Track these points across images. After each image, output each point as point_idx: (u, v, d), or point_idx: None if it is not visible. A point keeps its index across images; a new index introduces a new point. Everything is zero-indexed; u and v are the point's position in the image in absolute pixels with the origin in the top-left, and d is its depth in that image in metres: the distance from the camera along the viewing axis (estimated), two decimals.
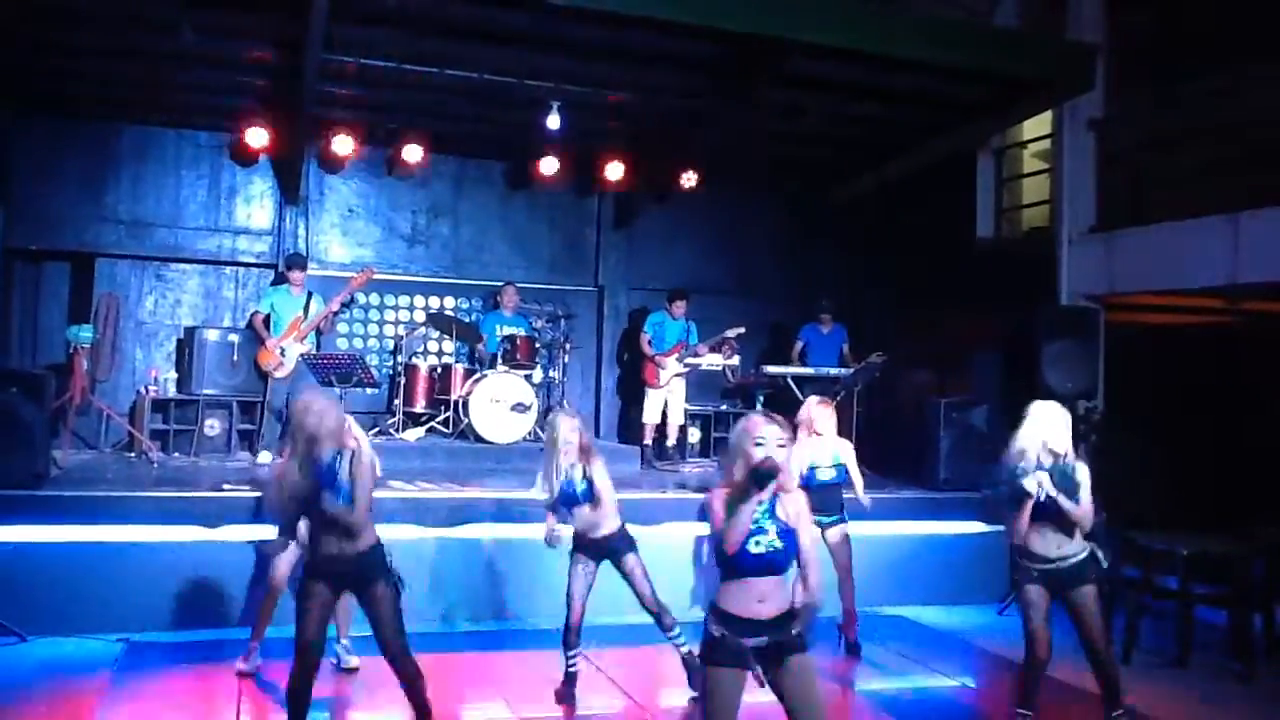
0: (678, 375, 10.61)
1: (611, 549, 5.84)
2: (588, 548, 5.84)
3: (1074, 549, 5.13)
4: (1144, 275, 9.24)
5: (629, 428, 11.12)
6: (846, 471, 6.89)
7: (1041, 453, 5.10)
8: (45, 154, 10.06)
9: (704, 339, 10.65)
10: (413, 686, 4.81)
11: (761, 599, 3.83)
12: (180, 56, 8.76)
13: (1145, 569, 7.28)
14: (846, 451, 6.98)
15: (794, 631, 3.84)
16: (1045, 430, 5.12)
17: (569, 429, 5.77)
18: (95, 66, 9.15)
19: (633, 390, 11.14)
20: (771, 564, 3.84)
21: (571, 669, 5.90)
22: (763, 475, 3.73)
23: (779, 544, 3.83)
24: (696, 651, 5.78)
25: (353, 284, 9.90)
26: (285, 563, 6.03)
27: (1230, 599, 7.11)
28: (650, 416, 10.51)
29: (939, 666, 6.88)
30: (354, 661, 6.24)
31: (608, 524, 5.82)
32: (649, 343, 10.65)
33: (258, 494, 7.27)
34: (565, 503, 5.80)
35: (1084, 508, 5.06)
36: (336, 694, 5.98)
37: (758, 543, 3.80)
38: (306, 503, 4.72)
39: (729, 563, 3.83)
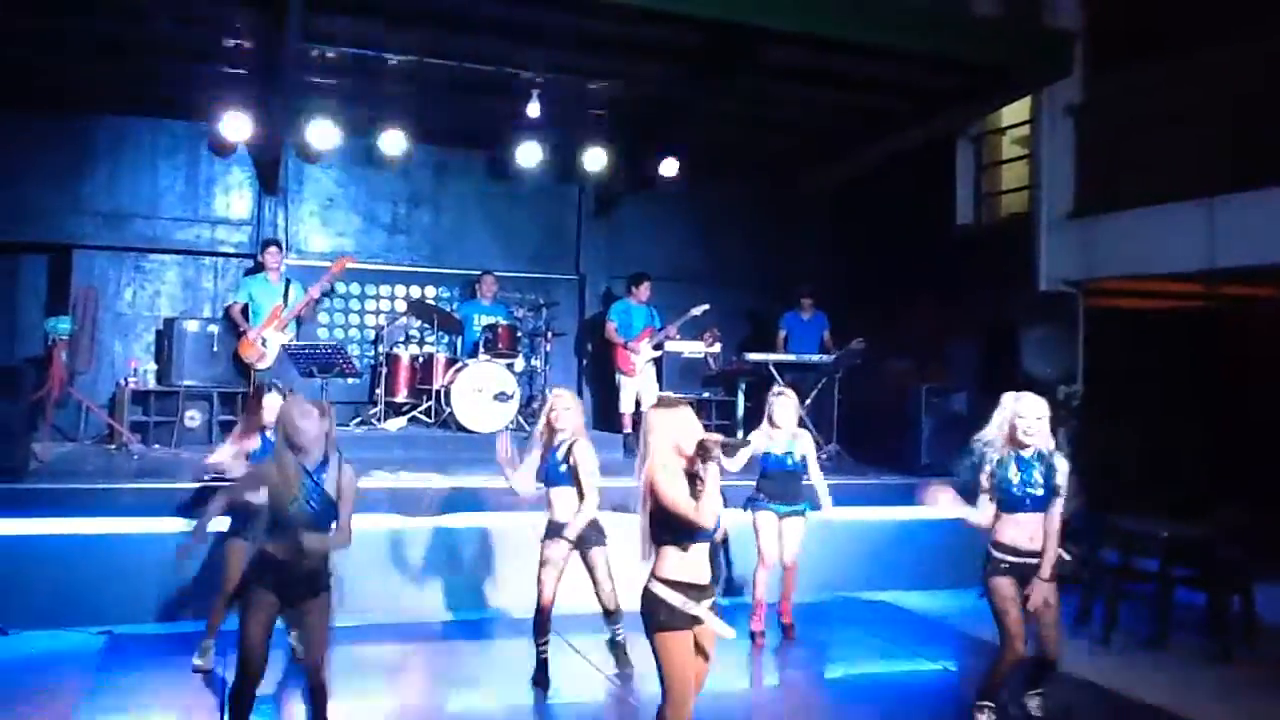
0: (650, 361, 10.63)
1: (581, 538, 5.85)
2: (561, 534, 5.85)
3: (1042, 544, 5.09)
4: (1122, 260, 9.29)
5: (609, 417, 11.13)
6: (805, 463, 6.94)
7: (1010, 443, 5.06)
8: (21, 146, 9.99)
9: (671, 323, 10.68)
10: (319, 700, 4.64)
11: (702, 564, 4.16)
12: (157, 46, 8.71)
13: (1125, 551, 7.34)
14: (806, 444, 7.02)
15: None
16: (1015, 421, 5.05)
17: (567, 401, 5.82)
18: (70, 57, 9.08)
19: (608, 379, 11.16)
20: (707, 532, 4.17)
21: (543, 655, 5.92)
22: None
23: None
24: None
25: (331, 271, 9.87)
26: (238, 559, 5.90)
27: (1208, 581, 7.17)
28: (627, 406, 10.51)
29: (921, 650, 6.92)
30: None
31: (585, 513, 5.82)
32: (616, 330, 10.63)
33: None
34: (550, 480, 5.81)
35: (1056, 509, 5.06)
36: (286, 684, 5.84)
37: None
38: (276, 509, 4.53)
39: (694, 534, 4.09)
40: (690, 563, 4.11)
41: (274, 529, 4.56)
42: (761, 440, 6.85)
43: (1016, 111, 10.83)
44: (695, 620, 4.10)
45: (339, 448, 4.78)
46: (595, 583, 5.94)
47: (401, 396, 10.35)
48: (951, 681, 6.45)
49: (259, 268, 10.18)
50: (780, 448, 6.87)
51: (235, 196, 10.85)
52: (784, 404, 6.90)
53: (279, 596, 4.58)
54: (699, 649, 4.20)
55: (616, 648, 6.08)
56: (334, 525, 4.59)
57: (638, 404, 10.51)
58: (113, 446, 9.39)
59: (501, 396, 9.78)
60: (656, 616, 4.10)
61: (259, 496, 4.65)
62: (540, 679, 5.90)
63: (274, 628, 4.62)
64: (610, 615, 6.02)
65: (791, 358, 10.65)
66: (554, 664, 5.95)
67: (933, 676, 6.51)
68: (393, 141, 10.38)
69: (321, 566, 4.64)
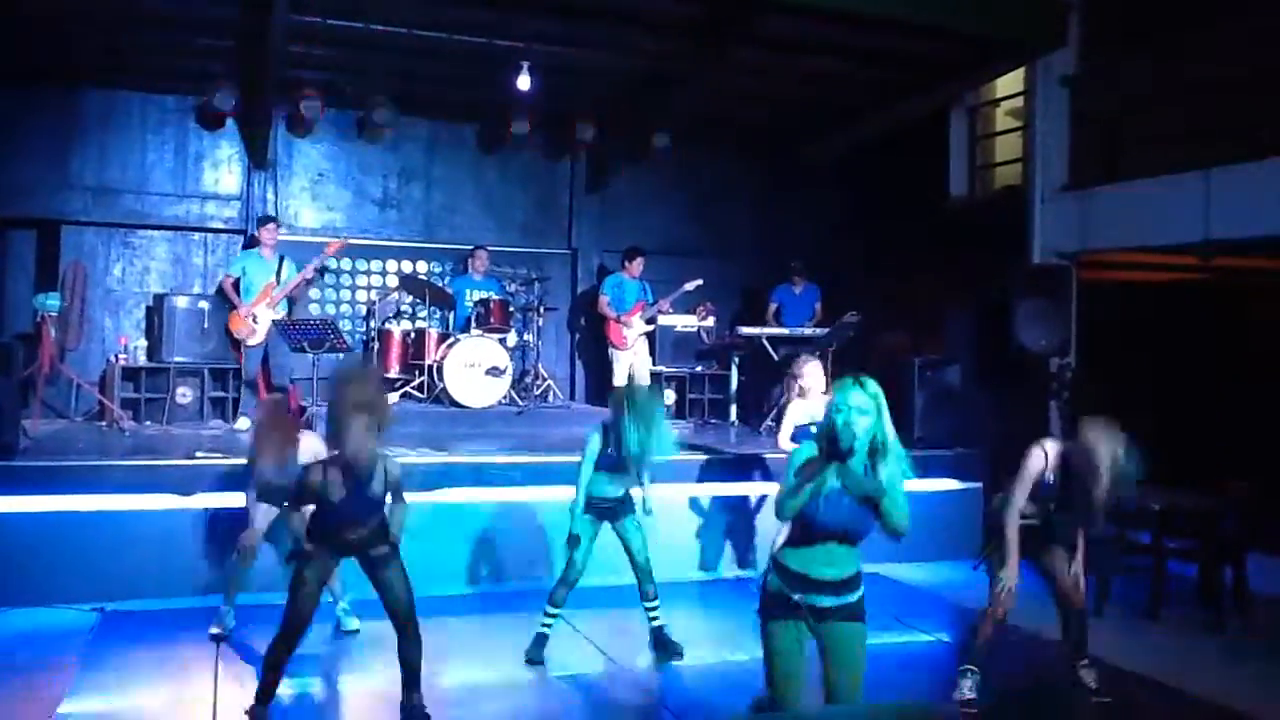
0: (642, 335, 10.62)
1: (620, 511, 5.92)
2: (598, 508, 5.88)
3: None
4: (1117, 232, 9.26)
5: (601, 391, 11.11)
6: None
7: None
8: (8, 121, 9.88)
9: (664, 297, 10.71)
10: (412, 670, 4.73)
11: (829, 563, 3.77)
12: (144, 18, 8.61)
13: (1118, 523, 7.35)
14: None
15: (856, 597, 3.81)
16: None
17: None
18: (56, 30, 8.97)
19: (600, 354, 11.14)
20: (847, 532, 3.78)
21: (545, 629, 5.92)
22: (835, 443, 3.69)
23: (851, 514, 3.76)
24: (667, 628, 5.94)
25: (325, 252, 9.82)
26: (259, 525, 6.03)
27: (1201, 553, 7.20)
28: (619, 380, 10.48)
29: (916, 622, 6.94)
30: (354, 624, 6.27)
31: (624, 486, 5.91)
32: (609, 304, 10.63)
33: (231, 461, 7.22)
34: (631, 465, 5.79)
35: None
36: (333, 656, 5.99)
37: (832, 505, 3.72)
38: (323, 509, 4.56)
39: (809, 524, 3.76)
40: (805, 554, 3.77)
41: (323, 527, 4.60)
42: (800, 412, 6.79)
43: (1010, 83, 10.78)
44: (795, 610, 3.77)
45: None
46: (630, 551, 6.00)
47: (393, 372, 10.31)
48: (946, 652, 6.46)
49: (253, 241, 10.12)
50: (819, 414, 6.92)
51: (224, 171, 10.77)
52: (814, 369, 6.84)
53: (334, 559, 4.77)
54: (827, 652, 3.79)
55: (656, 638, 6.12)
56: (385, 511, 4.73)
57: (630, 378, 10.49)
58: (104, 423, 9.36)
59: (494, 371, 9.76)
60: (759, 600, 3.91)
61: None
62: (535, 655, 5.89)
63: (320, 601, 4.73)
64: (644, 590, 6.07)
65: (785, 331, 10.64)
66: (550, 640, 5.95)
67: (927, 647, 6.53)
68: (383, 115, 10.31)
69: (381, 529, 4.73)
